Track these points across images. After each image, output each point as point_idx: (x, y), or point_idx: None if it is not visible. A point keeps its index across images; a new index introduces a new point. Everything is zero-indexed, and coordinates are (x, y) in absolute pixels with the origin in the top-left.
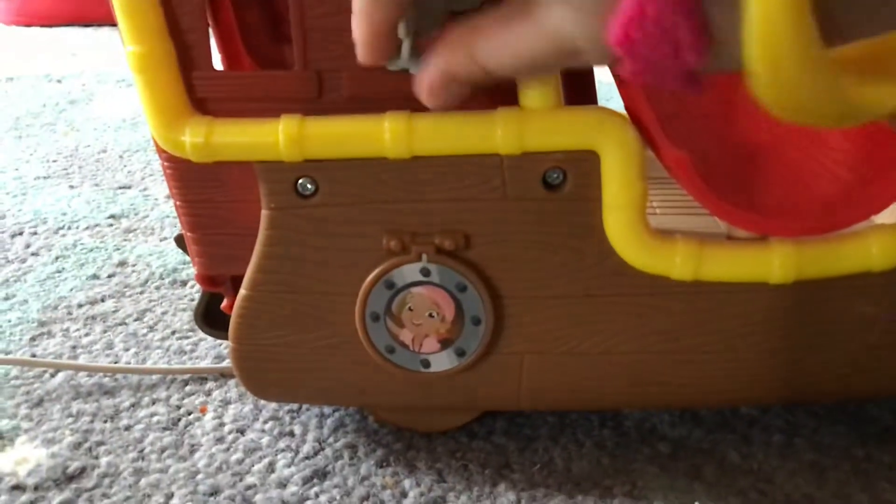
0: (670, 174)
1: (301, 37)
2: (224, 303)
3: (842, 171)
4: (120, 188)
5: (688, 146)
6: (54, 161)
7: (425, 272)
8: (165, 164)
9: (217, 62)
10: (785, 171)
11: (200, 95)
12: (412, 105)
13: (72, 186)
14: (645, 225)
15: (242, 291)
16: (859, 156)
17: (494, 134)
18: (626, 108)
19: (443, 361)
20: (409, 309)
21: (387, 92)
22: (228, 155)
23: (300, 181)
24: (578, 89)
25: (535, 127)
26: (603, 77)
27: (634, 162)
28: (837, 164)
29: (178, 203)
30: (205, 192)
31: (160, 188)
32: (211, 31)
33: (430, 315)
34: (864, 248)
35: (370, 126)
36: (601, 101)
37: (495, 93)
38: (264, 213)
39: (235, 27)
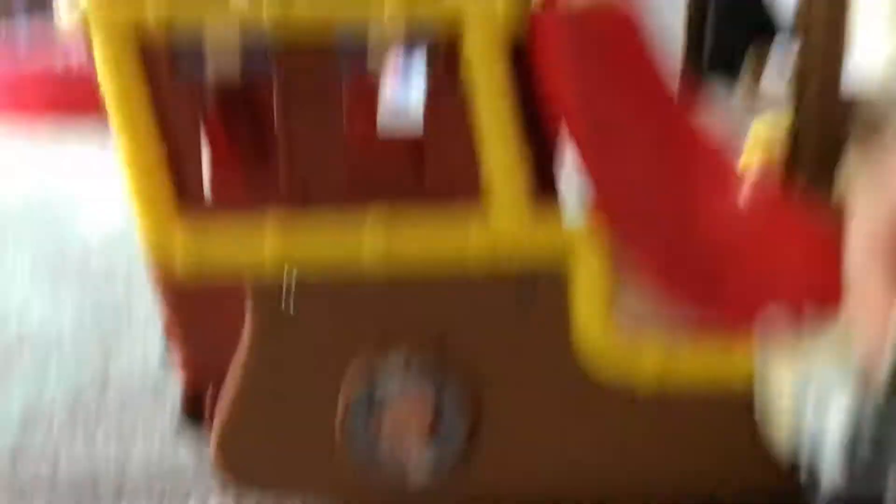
0: (639, 275)
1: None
2: (208, 401)
3: (799, 268)
4: (106, 297)
5: (655, 247)
6: (40, 268)
7: (405, 380)
8: (157, 276)
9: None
10: (747, 268)
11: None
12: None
13: (59, 294)
14: (612, 340)
15: (227, 395)
16: (814, 255)
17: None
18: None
19: (422, 463)
20: (389, 414)
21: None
22: (216, 270)
23: (285, 295)
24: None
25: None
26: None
27: (602, 277)
28: (795, 261)
29: (167, 309)
30: (193, 298)
31: None
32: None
33: (410, 420)
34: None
35: (350, 232)
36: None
37: None
38: (249, 323)
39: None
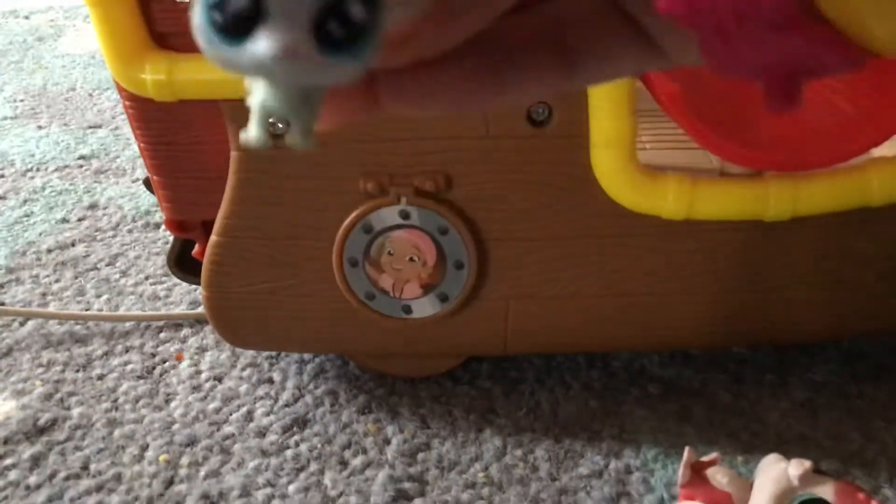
0: (662, 108)
1: None
2: (195, 249)
3: (842, 102)
4: (90, 128)
5: (680, 79)
6: (21, 100)
7: (405, 215)
8: (127, 103)
9: None
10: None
11: (161, 29)
12: None
13: (40, 127)
14: (635, 163)
15: (213, 237)
16: (861, 87)
17: None
18: None
19: (425, 307)
20: (389, 253)
21: None
22: (193, 93)
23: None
24: None
25: None
26: None
27: (623, 96)
28: (837, 96)
29: (142, 145)
30: (169, 133)
31: None
32: None
33: (411, 259)
34: (863, 183)
35: None
36: None
37: None
38: (234, 154)
39: None
